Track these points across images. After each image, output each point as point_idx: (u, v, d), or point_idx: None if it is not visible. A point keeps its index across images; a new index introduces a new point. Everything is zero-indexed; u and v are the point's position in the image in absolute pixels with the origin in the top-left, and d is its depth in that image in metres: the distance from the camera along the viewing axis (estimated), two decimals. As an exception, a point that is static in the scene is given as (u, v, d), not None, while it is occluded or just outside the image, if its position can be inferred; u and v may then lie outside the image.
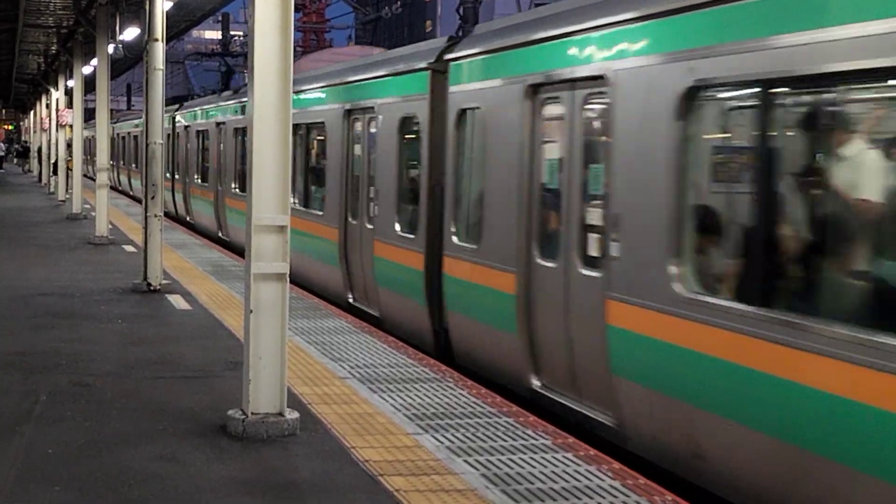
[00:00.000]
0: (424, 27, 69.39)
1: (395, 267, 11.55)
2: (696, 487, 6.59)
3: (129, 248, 18.75)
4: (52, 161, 36.15)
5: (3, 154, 60.15)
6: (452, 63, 10.47)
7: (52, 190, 36.11)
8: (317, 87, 15.14)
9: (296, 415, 7.08)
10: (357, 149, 13.39)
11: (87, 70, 27.90)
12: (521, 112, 8.78)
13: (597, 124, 8.01)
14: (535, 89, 8.66)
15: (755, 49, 6.03)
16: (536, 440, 6.99)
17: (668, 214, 6.76)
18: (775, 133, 6.16)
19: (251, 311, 6.95)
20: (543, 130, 8.68)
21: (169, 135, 27.31)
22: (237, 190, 20.34)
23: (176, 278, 14.54)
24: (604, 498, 5.88)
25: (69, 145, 30.70)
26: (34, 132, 55.17)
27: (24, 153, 67.73)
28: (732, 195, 6.78)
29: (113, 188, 31.11)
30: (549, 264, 8.37)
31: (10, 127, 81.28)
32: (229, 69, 31.58)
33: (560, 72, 8.25)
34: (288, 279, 7.04)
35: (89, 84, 30.77)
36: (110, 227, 20.62)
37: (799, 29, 5.70)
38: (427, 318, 10.75)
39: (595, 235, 7.70)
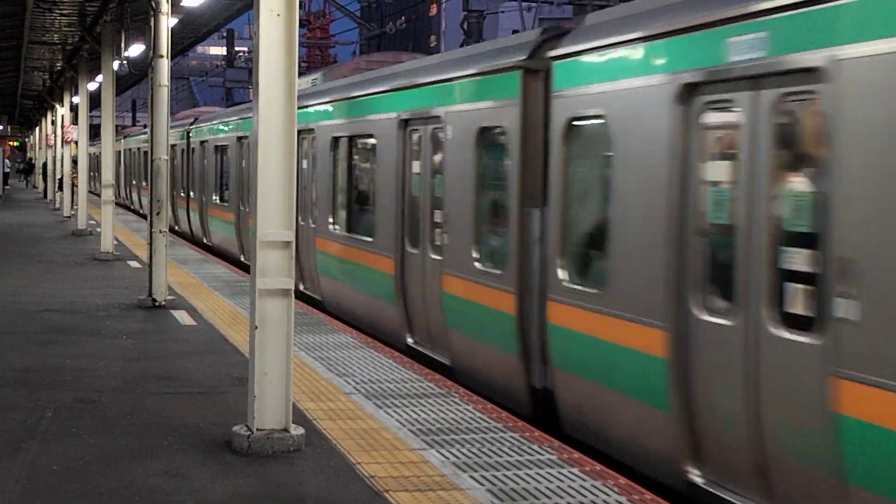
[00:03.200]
0: (429, 42, 69.56)
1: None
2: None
3: (134, 264, 18.77)
4: (58, 177, 36.24)
5: (8, 171, 60.07)
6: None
7: (57, 206, 36.18)
8: None
9: (301, 430, 7.08)
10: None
11: (92, 86, 27.99)
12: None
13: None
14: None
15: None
16: (542, 455, 6.98)
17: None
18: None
19: (256, 327, 6.96)
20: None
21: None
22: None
23: (181, 294, 14.55)
24: (610, 513, 5.87)
25: (75, 161, 30.79)
26: (39, 148, 55.28)
27: (28, 169, 67.74)
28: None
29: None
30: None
31: (16, 143, 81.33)
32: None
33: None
34: (293, 295, 7.06)
35: (94, 100, 30.91)
36: (115, 242, 20.65)
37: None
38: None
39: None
